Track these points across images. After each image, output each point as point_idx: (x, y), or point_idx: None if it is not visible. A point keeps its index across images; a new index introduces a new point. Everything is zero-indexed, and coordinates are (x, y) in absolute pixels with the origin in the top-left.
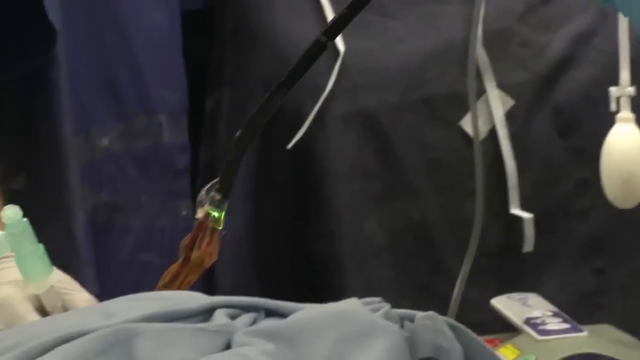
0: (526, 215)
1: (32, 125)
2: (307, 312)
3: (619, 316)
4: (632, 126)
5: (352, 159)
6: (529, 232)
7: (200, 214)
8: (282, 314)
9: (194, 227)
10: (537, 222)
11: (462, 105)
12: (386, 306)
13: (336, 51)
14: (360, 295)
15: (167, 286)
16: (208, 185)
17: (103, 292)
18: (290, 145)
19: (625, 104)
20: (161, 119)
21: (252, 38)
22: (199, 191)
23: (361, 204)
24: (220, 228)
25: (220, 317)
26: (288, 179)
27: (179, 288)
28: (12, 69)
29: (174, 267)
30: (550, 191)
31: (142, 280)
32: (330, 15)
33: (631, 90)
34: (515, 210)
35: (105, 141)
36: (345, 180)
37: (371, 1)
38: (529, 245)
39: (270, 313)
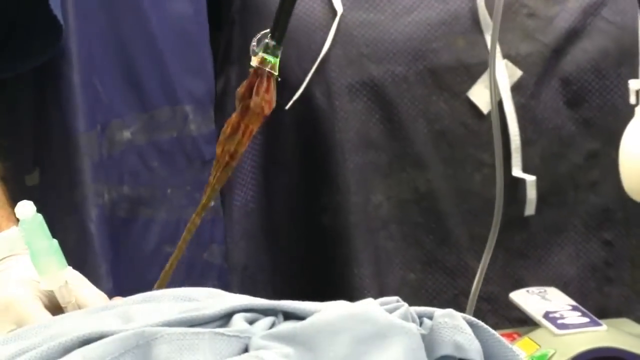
0: (528, 177)
1: (46, 121)
2: (324, 314)
3: (628, 288)
4: None
5: (358, 130)
6: (531, 195)
7: (255, 61)
8: (299, 317)
9: (250, 74)
10: (546, 193)
11: (468, 76)
12: (403, 306)
13: (335, 13)
14: (369, 265)
15: (228, 139)
16: (258, 36)
17: (127, 284)
18: (288, 106)
19: None
20: (187, 109)
21: (258, 15)
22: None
23: (368, 175)
24: (276, 74)
25: (238, 322)
26: (295, 152)
27: (241, 139)
28: (21, 63)
29: (233, 118)
30: (559, 162)
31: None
32: None
33: None
34: (517, 173)
35: (127, 134)
36: (351, 152)
37: None
38: (530, 208)
39: (288, 315)
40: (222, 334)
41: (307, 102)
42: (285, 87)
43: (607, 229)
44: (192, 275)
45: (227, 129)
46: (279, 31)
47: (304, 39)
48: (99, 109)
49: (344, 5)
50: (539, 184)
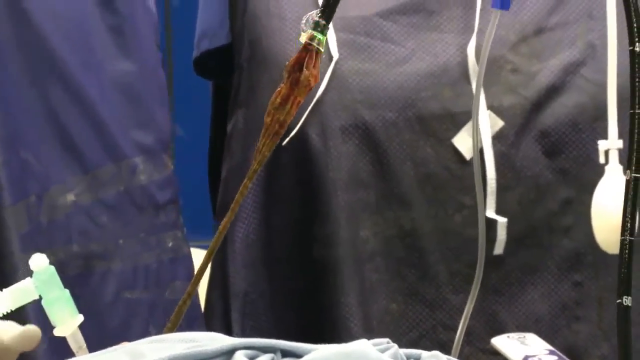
0: (500, 219)
1: None
2: (320, 353)
3: (595, 326)
4: (620, 178)
5: (349, 170)
6: (501, 236)
7: (304, 37)
8: (297, 355)
9: (299, 49)
10: (523, 236)
11: (454, 124)
12: (394, 347)
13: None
14: (355, 295)
15: (278, 109)
16: (308, 15)
17: (89, 333)
18: (285, 142)
19: (613, 156)
20: (136, 161)
21: (263, 63)
22: (217, 206)
23: (357, 212)
24: (323, 50)
25: (240, 358)
26: (292, 189)
27: (290, 110)
28: None
29: (283, 89)
30: (536, 208)
31: (131, 318)
32: (333, 40)
33: (619, 143)
34: (491, 214)
35: (70, 197)
36: (343, 190)
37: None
38: (499, 247)
39: (286, 354)
40: None
41: (304, 143)
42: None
43: (578, 271)
44: (154, 314)
45: (276, 99)
46: (329, 10)
47: None
48: (30, 180)
49: (341, 54)
50: (516, 227)
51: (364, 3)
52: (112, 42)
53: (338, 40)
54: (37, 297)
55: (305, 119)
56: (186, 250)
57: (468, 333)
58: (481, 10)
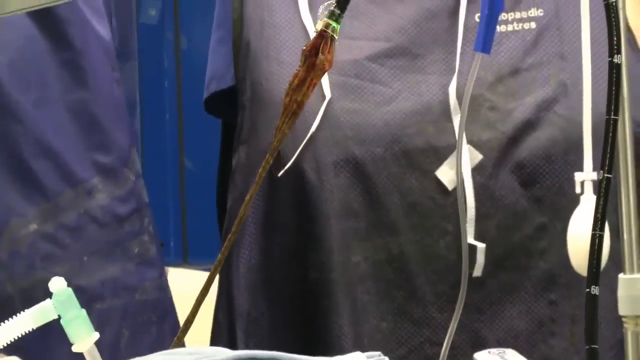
0: (479, 244)
1: None
2: None
3: (568, 342)
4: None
5: (341, 200)
6: (480, 260)
7: (321, 25)
8: None
9: (314, 36)
10: (501, 259)
11: (437, 157)
12: (385, 359)
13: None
14: (347, 315)
15: (295, 90)
16: (324, 5)
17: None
18: (280, 174)
19: (588, 187)
20: (91, 184)
21: (263, 103)
22: (223, 233)
23: (349, 238)
24: (337, 37)
25: None
26: (289, 218)
27: (307, 91)
28: None
29: (300, 72)
30: (513, 234)
31: (105, 325)
32: (325, 82)
33: (593, 175)
34: (471, 240)
35: (33, 226)
36: (335, 218)
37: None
38: (478, 270)
39: None
40: None
41: (299, 176)
42: (280, 162)
43: (553, 290)
44: (126, 317)
45: (294, 81)
46: (344, 1)
47: (298, 122)
48: None
49: (333, 94)
50: (495, 251)
51: (355, 48)
52: (67, 75)
53: (331, 82)
54: (56, 317)
55: (300, 154)
56: (153, 252)
57: (452, 348)
58: (461, 53)
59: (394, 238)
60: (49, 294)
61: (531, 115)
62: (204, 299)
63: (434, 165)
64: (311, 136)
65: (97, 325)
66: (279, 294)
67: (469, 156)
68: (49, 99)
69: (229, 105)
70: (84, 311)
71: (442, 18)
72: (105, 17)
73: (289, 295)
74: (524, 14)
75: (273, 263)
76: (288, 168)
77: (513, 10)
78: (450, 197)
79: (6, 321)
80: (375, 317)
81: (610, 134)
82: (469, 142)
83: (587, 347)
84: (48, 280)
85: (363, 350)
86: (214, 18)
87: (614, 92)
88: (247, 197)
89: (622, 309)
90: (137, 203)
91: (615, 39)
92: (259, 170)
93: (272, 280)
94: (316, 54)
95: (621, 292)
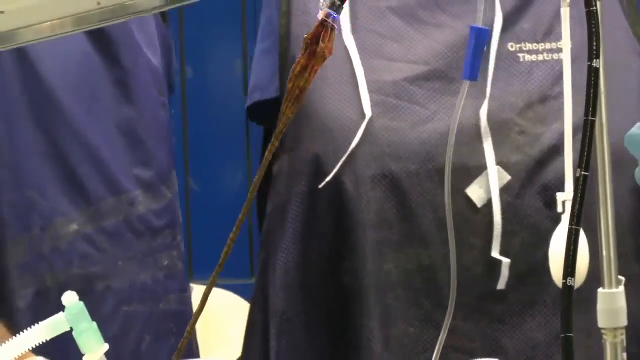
0: (504, 259)
1: None
2: None
3: (583, 354)
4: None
5: (377, 212)
6: (505, 273)
7: (321, 15)
8: None
9: (315, 25)
10: (524, 274)
11: (467, 176)
12: None
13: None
14: (377, 319)
15: (298, 76)
16: None
17: None
18: (321, 185)
19: (569, 206)
20: (133, 195)
21: (306, 115)
22: (263, 233)
23: (382, 248)
24: (336, 27)
25: None
26: (327, 226)
27: (308, 77)
28: None
29: (302, 59)
30: (536, 251)
31: (129, 327)
32: (366, 100)
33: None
34: (496, 255)
35: (74, 227)
36: (371, 229)
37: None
38: (502, 283)
39: None
40: None
41: (339, 188)
42: (321, 172)
43: None
44: (149, 324)
45: (296, 67)
46: None
47: (340, 136)
48: (34, 215)
49: (373, 112)
50: (519, 266)
51: (395, 69)
52: (117, 92)
53: (371, 100)
54: (68, 329)
55: (340, 168)
56: (180, 267)
57: (474, 354)
58: (492, 79)
59: (425, 249)
60: (82, 291)
61: (557, 141)
62: (201, 310)
63: (464, 183)
64: (352, 151)
65: (122, 325)
66: (313, 296)
67: (498, 176)
68: (99, 111)
69: (271, 114)
70: (94, 324)
71: None
72: (158, 48)
73: (323, 297)
74: (553, 45)
75: (309, 267)
76: (328, 180)
77: (544, 41)
78: (479, 214)
79: (22, 332)
80: (403, 322)
81: (588, 134)
82: (499, 163)
83: (561, 335)
84: (83, 277)
85: (391, 353)
86: (259, 30)
87: (592, 94)
88: (255, 178)
89: (602, 322)
90: (171, 219)
91: (594, 44)
92: (265, 154)
93: (307, 283)
94: (317, 42)
95: (600, 306)
